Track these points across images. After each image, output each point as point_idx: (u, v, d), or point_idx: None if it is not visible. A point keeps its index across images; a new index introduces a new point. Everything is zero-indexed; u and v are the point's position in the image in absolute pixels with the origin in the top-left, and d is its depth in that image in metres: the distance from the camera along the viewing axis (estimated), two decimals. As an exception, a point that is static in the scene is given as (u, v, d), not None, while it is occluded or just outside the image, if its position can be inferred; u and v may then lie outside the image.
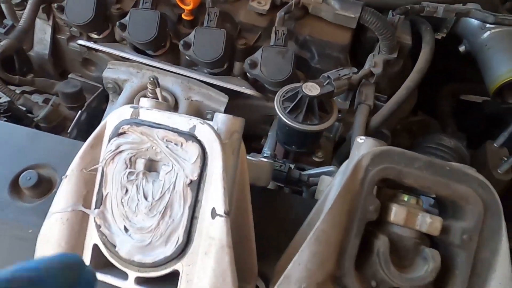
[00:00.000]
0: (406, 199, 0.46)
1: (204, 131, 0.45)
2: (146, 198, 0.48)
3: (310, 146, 0.89)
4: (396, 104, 0.84)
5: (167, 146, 0.48)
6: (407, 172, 0.43)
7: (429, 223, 0.42)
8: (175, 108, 0.90)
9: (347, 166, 0.48)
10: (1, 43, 0.90)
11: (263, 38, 0.95)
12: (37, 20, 1.01)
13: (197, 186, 0.45)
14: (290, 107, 0.80)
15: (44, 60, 1.04)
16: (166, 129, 0.48)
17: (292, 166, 0.87)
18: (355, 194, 0.43)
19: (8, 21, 0.95)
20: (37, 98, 0.98)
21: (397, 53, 0.91)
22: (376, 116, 0.85)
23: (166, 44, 0.97)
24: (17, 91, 0.96)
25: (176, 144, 0.48)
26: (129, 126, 0.50)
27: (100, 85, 0.99)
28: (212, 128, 0.46)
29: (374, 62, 0.89)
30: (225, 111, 0.93)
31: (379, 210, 0.43)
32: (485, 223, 0.42)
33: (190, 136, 0.47)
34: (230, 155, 0.50)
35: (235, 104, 0.99)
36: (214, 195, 0.43)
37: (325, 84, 0.81)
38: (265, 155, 0.93)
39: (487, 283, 0.42)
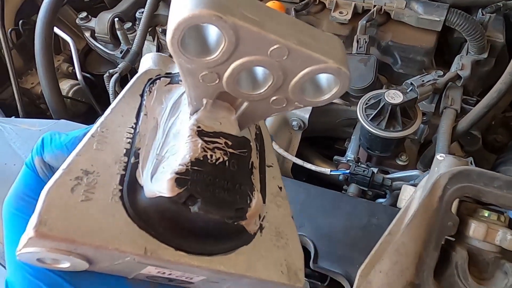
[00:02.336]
0: (486, 214, 0.48)
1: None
2: None
3: (394, 151, 0.92)
4: (485, 108, 0.82)
5: None
6: (486, 191, 0.45)
7: (509, 239, 0.44)
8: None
9: (427, 182, 0.51)
10: (119, 66, 1.06)
11: (346, 46, 0.99)
12: (145, 41, 1.17)
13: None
14: (373, 115, 0.83)
15: (151, 76, 1.20)
16: None
17: (376, 170, 0.90)
18: (433, 210, 0.46)
19: (123, 46, 1.11)
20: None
21: (488, 52, 0.89)
22: (463, 121, 0.84)
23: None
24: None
25: None
26: None
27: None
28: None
29: (462, 64, 0.87)
30: (310, 117, 0.99)
31: (457, 225, 0.46)
32: None
33: None
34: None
35: (320, 109, 1.04)
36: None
37: (408, 91, 0.82)
38: (348, 158, 0.98)
39: None
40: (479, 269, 0.47)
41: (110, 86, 1.00)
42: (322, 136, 1.18)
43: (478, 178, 0.46)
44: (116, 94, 1.00)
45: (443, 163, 0.53)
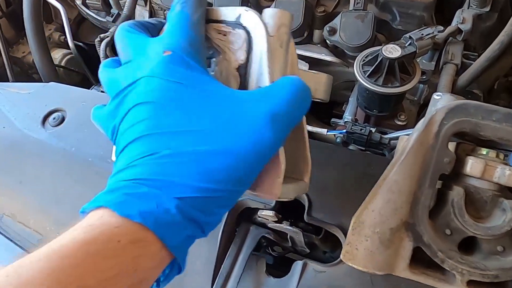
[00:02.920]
0: (485, 152, 0.46)
1: (249, 17, 0.46)
2: None
3: (392, 110, 0.89)
4: (487, 61, 0.79)
5: (217, 38, 0.49)
6: (484, 124, 0.43)
7: (507, 175, 0.42)
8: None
9: (423, 122, 0.49)
10: (110, 30, 1.04)
11: (342, 4, 0.95)
12: (137, 6, 1.13)
13: (244, 68, 0.46)
14: (370, 71, 0.80)
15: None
16: (216, 22, 0.49)
17: (373, 129, 0.88)
18: (429, 147, 0.44)
19: (114, 10, 1.08)
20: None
21: (490, 6, 0.85)
22: (464, 75, 0.82)
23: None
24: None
25: (224, 34, 0.49)
26: None
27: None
28: (257, 13, 0.47)
29: (463, 18, 0.84)
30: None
31: (454, 162, 0.44)
32: None
33: (236, 24, 0.48)
34: (278, 48, 0.50)
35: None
36: (260, 75, 0.44)
37: (406, 45, 0.79)
38: (346, 120, 0.95)
39: None
40: (476, 208, 0.45)
41: (101, 50, 0.98)
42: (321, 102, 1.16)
43: (475, 112, 0.44)
44: (107, 58, 0.98)
45: (440, 101, 0.50)
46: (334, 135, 0.90)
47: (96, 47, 1.02)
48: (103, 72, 0.44)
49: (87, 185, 0.73)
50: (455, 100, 0.49)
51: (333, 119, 0.97)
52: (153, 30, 0.47)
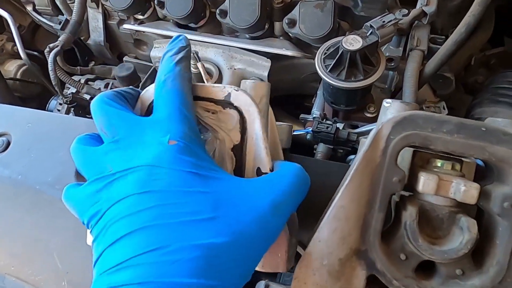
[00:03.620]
0: (439, 164, 0.42)
1: (239, 97, 0.46)
2: None
3: (360, 103, 0.84)
4: (454, 44, 0.74)
5: (206, 116, 0.49)
6: (434, 137, 0.39)
7: (463, 191, 0.38)
8: (219, 78, 0.91)
9: (368, 139, 0.45)
10: (60, 39, 0.97)
11: (301, -9, 0.89)
12: (89, 9, 1.07)
13: (240, 149, 0.46)
14: (331, 65, 0.75)
15: (101, 46, 1.11)
16: (203, 100, 0.49)
17: (342, 125, 0.83)
18: (376, 166, 0.40)
19: (62, 17, 1.02)
20: (99, 84, 1.06)
21: (456, -17, 0.80)
22: (431, 62, 0.77)
23: (205, 14, 0.96)
24: (82, 80, 1.05)
25: (213, 113, 0.49)
26: None
27: (151, 64, 1.04)
28: (247, 93, 0.46)
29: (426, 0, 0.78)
30: (270, 74, 0.91)
31: (405, 180, 0.40)
32: (531, 187, 0.37)
33: (227, 103, 0.48)
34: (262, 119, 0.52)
35: (281, 65, 0.96)
36: (257, 155, 0.45)
37: (368, 34, 0.74)
38: (314, 115, 0.91)
39: (535, 253, 0.37)
40: (433, 226, 0.41)
41: (49, 61, 0.92)
42: (293, 95, 1.11)
43: (424, 124, 0.39)
44: (56, 70, 0.92)
45: (390, 109, 0.46)
46: (305, 133, 0.85)
47: (46, 57, 0.96)
48: (79, 151, 0.41)
49: (36, 215, 0.69)
50: (406, 107, 0.44)
51: (301, 115, 0.92)
52: (132, 100, 0.45)
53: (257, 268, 0.41)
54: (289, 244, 0.42)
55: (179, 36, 0.45)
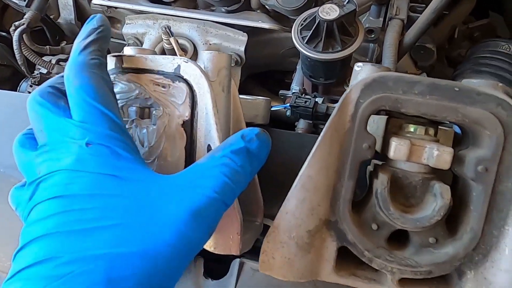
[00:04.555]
0: (412, 129, 0.40)
1: (189, 69, 0.44)
2: (142, 145, 0.49)
3: (340, 75, 0.82)
4: (433, 13, 0.72)
5: (155, 90, 0.48)
6: (405, 99, 0.36)
7: (436, 155, 0.36)
8: (194, 54, 0.87)
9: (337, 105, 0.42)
10: (25, 16, 0.93)
11: (276, -40, 0.85)
12: (57, -17, 1.02)
13: (190, 125, 0.45)
14: (308, 36, 0.72)
15: (72, 25, 1.06)
16: (151, 73, 0.47)
17: (321, 100, 0.81)
18: (345, 132, 0.38)
19: (27, -7, 0.96)
20: (71, 64, 1.01)
21: None
22: (411, 31, 0.74)
23: (179, -13, 0.92)
24: (53, 61, 1.00)
25: (163, 86, 0.47)
26: (114, 75, 0.49)
27: (125, 42, 0.99)
28: (197, 65, 0.44)
29: (406, -35, 0.75)
30: (247, 49, 0.88)
31: (375, 147, 0.38)
32: (506, 149, 0.35)
33: (176, 76, 0.46)
34: (220, 92, 0.50)
35: (258, 40, 0.93)
36: (208, 132, 0.43)
37: (345, 3, 0.71)
38: (293, 91, 0.88)
39: (510, 217, 0.36)
40: (405, 194, 0.39)
41: (14, 40, 0.87)
42: (272, 71, 1.08)
43: (395, 85, 0.37)
44: (21, 48, 0.87)
45: (361, 73, 0.43)
46: (284, 109, 0.83)
47: (12, 36, 0.91)
48: (18, 153, 0.40)
49: (4, 198, 0.66)
50: (378, 70, 0.42)
51: (281, 91, 0.89)
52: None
53: (210, 249, 0.39)
54: (241, 226, 0.40)
55: (93, 16, 0.41)
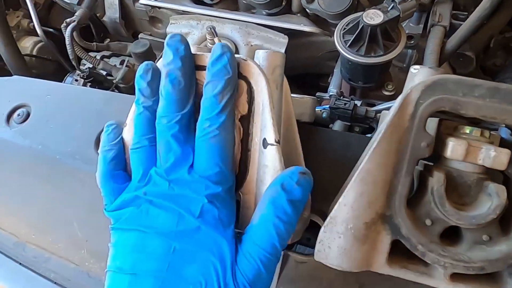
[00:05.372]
0: (468, 131, 0.41)
1: (248, 67, 0.45)
2: None
3: (378, 80, 0.84)
4: (477, 20, 0.73)
5: None
6: (465, 102, 0.38)
7: (493, 156, 0.38)
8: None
9: (397, 103, 0.44)
10: (76, 14, 0.97)
11: (320, -33, 0.88)
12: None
13: (247, 120, 0.46)
14: (351, 40, 0.74)
15: (116, 23, 1.11)
16: None
17: (359, 102, 0.83)
18: (404, 130, 0.40)
19: (79, -8, 1.01)
20: (115, 61, 1.06)
21: (480, -42, 0.77)
22: (453, 38, 0.75)
23: (222, -11, 0.96)
24: (98, 57, 1.05)
25: None
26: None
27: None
28: (256, 63, 0.46)
29: (450, -26, 0.77)
30: (287, 51, 0.90)
31: (433, 146, 0.40)
32: (563, 153, 0.36)
33: None
34: (274, 90, 0.52)
35: (298, 43, 0.96)
36: (264, 126, 0.44)
37: (389, 9, 0.73)
38: (331, 93, 0.90)
39: None
40: (459, 193, 0.41)
41: (67, 36, 0.92)
42: (309, 74, 1.10)
43: (455, 88, 0.39)
44: (73, 46, 0.92)
45: (418, 76, 0.45)
46: (320, 111, 0.85)
47: (63, 33, 0.96)
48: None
49: (56, 184, 0.70)
50: (435, 73, 0.44)
51: (318, 93, 0.92)
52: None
53: None
54: None
55: (222, 54, 0.40)
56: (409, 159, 0.40)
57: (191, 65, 0.42)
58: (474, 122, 0.44)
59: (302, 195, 0.39)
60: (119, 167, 0.43)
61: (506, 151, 0.38)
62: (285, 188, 0.38)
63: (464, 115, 0.39)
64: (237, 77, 0.43)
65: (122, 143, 0.44)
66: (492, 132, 0.48)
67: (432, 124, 0.47)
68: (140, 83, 0.42)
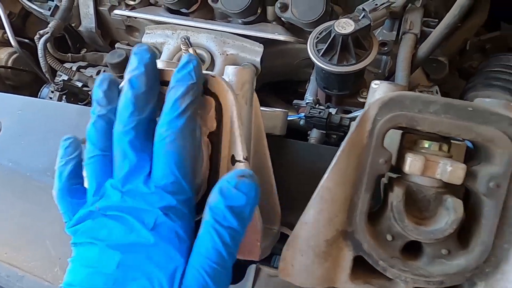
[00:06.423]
0: (427, 145, 0.42)
1: (216, 84, 0.45)
2: None
3: (353, 87, 0.84)
4: (447, 28, 0.73)
5: None
6: (421, 118, 0.38)
7: (449, 171, 0.38)
8: (211, 64, 0.90)
9: (356, 121, 0.44)
10: (50, 25, 0.96)
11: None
12: (79, -7, 1.05)
13: (216, 136, 0.46)
14: (324, 49, 0.75)
15: (92, 33, 1.10)
16: None
17: (335, 110, 0.83)
18: (363, 147, 0.40)
19: (52, 3, 1.00)
20: (91, 71, 1.05)
21: (449, -35, 0.78)
22: (424, 45, 0.76)
23: (197, -1, 0.95)
24: (74, 68, 1.04)
25: None
26: None
27: (143, 51, 1.02)
28: (224, 80, 0.46)
29: (420, -19, 0.77)
30: (263, 60, 0.90)
31: (391, 162, 0.40)
32: (517, 167, 0.37)
33: (204, 89, 0.47)
34: (244, 105, 0.52)
35: (274, 51, 0.96)
36: (233, 143, 0.44)
37: (360, 18, 0.73)
38: (307, 101, 0.90)
39: (520, 232, 0.38)
40: (419, 208, 0.41)
41: (39, 48, 0.91)
42: (286, 80, 1.10)
43: (412, 104, 0.39)
44: (47, 58, 0.91)
45: (378, 91, 0.45)
46: (298, 120, 0.85)
47: (37, 44, 0.95)
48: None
49: (28, 201, 0.69)
50: (394, 88, 0.44)
51: (295, 101, 0.92)
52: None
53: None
54: (262, 233, 0.42)
55: (188, 61, 0.40)
56: (368, 176, 0.40)
57: (154, 74, 0.41)
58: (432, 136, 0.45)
59: (242, 199, 0.36)
60: (77, 181, 0.42)
61: (462, 166, 0.38)
62: (223, 193, 0.37)
63: (420, 131, 0.39)
64: (201, 85, 0.42)
65: (81, 157, 0.43)
66: (458, 142, 0.49)
67: (395, 137, 0.47)
68: (96, 93, 0.41)
